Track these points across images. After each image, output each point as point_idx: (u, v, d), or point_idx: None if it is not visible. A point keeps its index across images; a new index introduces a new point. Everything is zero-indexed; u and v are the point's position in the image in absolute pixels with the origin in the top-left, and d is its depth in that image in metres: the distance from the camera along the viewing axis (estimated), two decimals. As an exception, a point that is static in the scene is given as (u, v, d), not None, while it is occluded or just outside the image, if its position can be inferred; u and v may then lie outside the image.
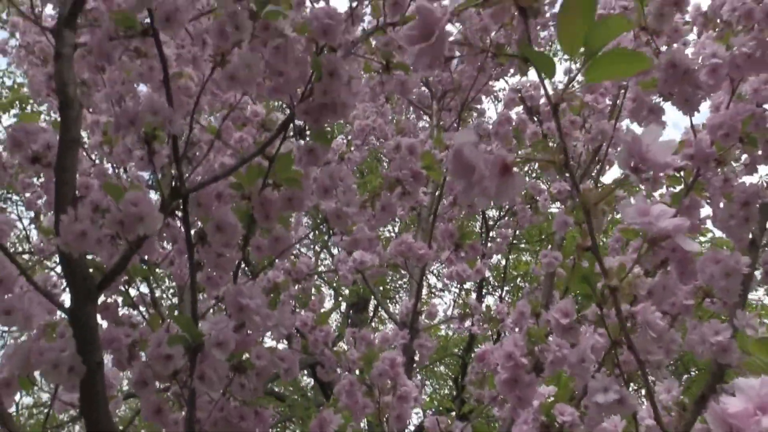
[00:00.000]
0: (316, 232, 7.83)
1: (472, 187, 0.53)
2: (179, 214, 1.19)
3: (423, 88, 2.95)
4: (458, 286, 7.40)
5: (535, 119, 2.36)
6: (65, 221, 0.99)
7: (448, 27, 0.54)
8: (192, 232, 1.21)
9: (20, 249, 6.58)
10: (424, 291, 8.15)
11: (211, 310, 1.53)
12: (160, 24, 1.07)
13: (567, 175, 0.57)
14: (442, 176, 1.88)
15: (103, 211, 1.06)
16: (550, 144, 2.02)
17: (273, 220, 1.28)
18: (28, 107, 6.20)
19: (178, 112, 1.60)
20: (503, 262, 7.79)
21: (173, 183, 1.15)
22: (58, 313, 1.17)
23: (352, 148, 2.68)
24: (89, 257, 1.22)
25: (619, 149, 0.58)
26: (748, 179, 1.48)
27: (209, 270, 1.34)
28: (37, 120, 1.71)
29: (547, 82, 0.56)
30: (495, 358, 1.20)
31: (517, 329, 2.02)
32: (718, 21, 1.60)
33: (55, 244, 1.02)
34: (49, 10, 1.95)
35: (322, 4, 1.50)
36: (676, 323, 1.61)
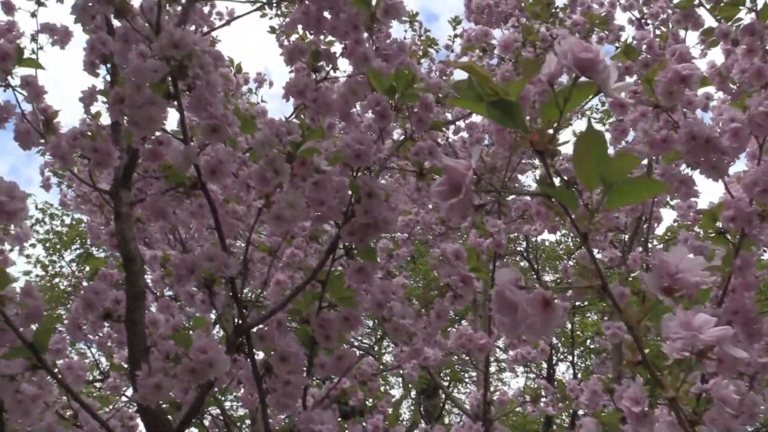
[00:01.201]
0: (377, 320, 7.82)
1: (518, 325, 0.56)
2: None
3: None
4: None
5: (575, 189, 2.37)
6: (140, 376, 1.05)
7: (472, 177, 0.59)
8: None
9: (90, 377, 6.76)
10: (494, 367, 7.99)
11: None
12: (207, 177, 1.16)
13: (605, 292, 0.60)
14: (489, 273, 1.91)
15: (174, 358, 1.12)
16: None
17: (333, 339, 1.31)
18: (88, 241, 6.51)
19: (229, 235, 1.69)
20: (569, 326, 7.63)
21: (235, 321, 1.20)
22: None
23: (399, 244, 2.73)
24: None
25: (649, 272, 0.60)
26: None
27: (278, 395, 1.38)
28: (102, 265, 1.81)
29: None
30: (571, 451, 1.18)
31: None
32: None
33: (134, 400, 1.07)
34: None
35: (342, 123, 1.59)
36: (755, 383, 1.56)
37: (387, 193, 1.27)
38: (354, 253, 1.32)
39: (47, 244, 6.87)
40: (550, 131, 0.60)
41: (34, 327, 1.16)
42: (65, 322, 1.61)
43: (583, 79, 0.59)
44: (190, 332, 1.49)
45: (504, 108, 0.60)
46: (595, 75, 0.56)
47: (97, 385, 6.32)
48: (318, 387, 1.84)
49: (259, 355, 1.35)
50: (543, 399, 2.46)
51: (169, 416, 1.35)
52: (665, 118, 1.42)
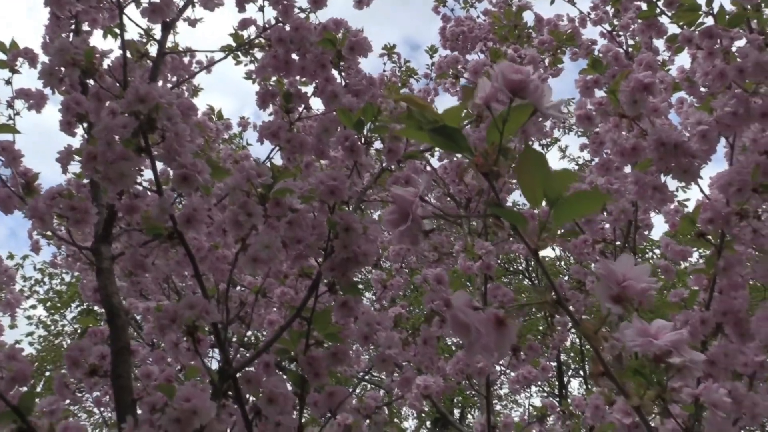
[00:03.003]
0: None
1: (474, 345, 0.57)
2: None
3: (448, 200, 3.03)
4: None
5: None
6: (126, 429, 1.04)
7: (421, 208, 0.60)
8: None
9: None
10: (506, 389, 7.91)
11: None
12: (182, 226, 1.17)
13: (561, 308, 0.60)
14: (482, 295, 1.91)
15: (160, 409, 1.11)
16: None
17: (323, 377, 1.31)
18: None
19: (220, 280, 1.69)
20: (578, 341, 7.59)
21: (221, 366, 1.20)
22: None
23: (393, 274, 2.73)
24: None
25: (597, 282, 0.61)
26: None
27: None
28: (93, 323, 1.82)
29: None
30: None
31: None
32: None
33: (122, 453, 1.07)
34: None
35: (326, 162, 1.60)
36: (755, 382, 1.55)
37: (365, 226, 1.28)
38: (337, 288, 1.32)
39: (48, 304, 6.86)
40: (494, 153, 0.61)
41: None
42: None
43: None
44: (184, 382, 1.48)
45: (446, 134, 0.61)
46: (527, 95, 0.57)
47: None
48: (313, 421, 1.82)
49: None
50: (550, 418, 2.44)
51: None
52: (637, 128, 1.44)
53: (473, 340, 0.56)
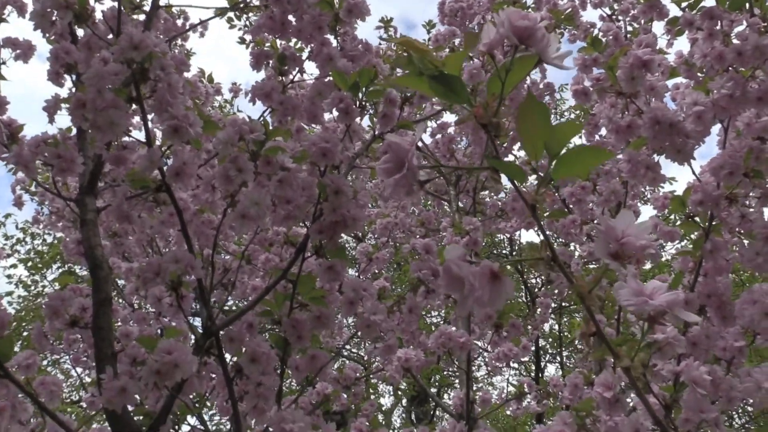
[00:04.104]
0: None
1: (467, 300, 0.56)
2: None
3: (438, 177, 3.02)
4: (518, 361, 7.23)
5: (551, 187, 2.38)
6: (106, 379, 1.03)
7: (417, 158, 0.58)
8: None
9: (76, 397, 6.65)
10: (483, 371, 7.98)
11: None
12: (171, 179, 1.15)
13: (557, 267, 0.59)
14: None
15: (140, 362, 1.10)
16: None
17: (306, 339, 1.30)
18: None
19: (205, 245, 1.67)
20: (556, 326, 7.65)
21: (204, 323, 1.19)
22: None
23: (379, 247, 2.72)
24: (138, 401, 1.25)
25: (596, 238, 0.60)
26: (766, 212, 1.47)
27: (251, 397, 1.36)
28: (72, 281, 1.79)
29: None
30: (549, 440, 1.18)
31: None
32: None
33: (99, 402, 1.06)
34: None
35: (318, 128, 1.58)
36: (732, 367, 1.56)
37: (355, 190, 1.26)
38: (323, 251, 1.31)
39: (29, 264, 6.79)
40: (494, 105, 0.60)
41: None
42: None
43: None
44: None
45: (446, 82, 0.59)
46: (533, 43, 0.56)
47: (84, 405, 6.21)
48: (292, 393, 1.83)
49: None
50: (527, 396, 2.46)
51: (143, 427, 1.32)
52: (633, 108, 1.43)
53: (467, 293, 0.55)
